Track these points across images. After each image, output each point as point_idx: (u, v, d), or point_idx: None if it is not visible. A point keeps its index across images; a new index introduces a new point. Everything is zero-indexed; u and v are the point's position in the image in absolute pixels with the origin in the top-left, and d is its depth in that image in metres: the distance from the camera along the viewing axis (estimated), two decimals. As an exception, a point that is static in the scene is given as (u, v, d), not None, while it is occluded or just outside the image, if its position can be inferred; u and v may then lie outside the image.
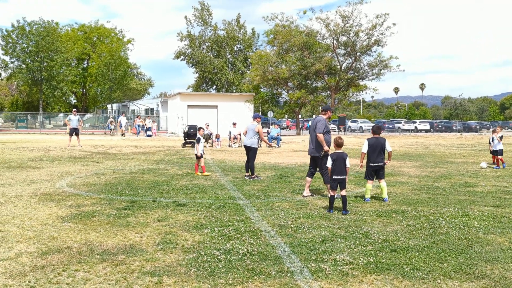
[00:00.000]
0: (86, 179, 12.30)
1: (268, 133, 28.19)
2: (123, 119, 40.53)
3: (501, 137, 16.07)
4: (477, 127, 65.06)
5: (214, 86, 64.70)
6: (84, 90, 75.79)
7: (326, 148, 9.33)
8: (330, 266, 5.20)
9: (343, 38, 40.93)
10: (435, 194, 10.16)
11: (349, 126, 60.58)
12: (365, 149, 9.37)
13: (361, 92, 42.42)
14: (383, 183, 9.32)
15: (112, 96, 63.08)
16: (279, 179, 12.65)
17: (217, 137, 25.98)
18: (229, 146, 26.25)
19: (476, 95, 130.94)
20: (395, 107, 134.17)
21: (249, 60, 63.82)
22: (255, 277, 4.83)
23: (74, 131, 24.18)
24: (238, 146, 26.37)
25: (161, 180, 12.10)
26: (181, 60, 64.70)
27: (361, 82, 42.30)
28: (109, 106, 70.56)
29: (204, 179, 12.45)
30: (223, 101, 44.16)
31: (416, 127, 63.01)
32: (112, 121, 44.38)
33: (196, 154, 13.67)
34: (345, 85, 41.81)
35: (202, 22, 63.23)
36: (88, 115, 64.81)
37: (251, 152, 12.70)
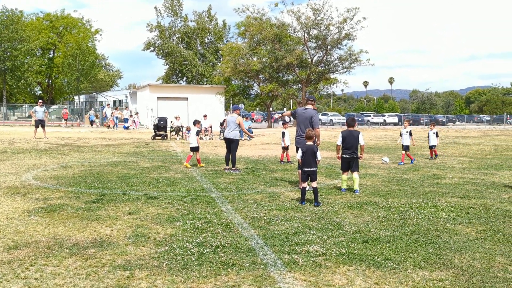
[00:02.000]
0: (53, 172, 12.00)
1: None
2: (108, 111, 39.32)
3: (436, 133, 16.48)
4: (444, 120, 66.54)
5: (185, 78, 64.14)
6: (50, 81, 73.98)
7: (319, 142, 9.32)
8: (303, 257, 5.21)
9: (314, 31, 41.07)
10: (404, 186, 10.34)
11: (320, 119, 61.09)
12: (339, 141, 9.50)
13: (331, 85, 42.78)
14: (355, 175, 9.44)
15: (80, 87, 61.80)
16: (251, 171, 12.63)
17: (188, 129, 25.71)
18: (200, 138, 26.04)
19: (443, 89, 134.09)
20: (365, 100, 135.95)
21: (220, 52, 63.49)
22: (229, 270, 4.81)
23: (40, 123, 23.58)
24: (209, 139, 26.24)
25: (131, 173, 11.91)
26: (151, 51, 63.82)
27: (332, 76, 42.64)
28: (76, 97, 69.10)
29: (175, 172, 12.33)
30: (194, 93, 43.84)
31: (385, 120, 64.01)
32: (96, 114, 43.57)
33: (192, 146, 13.85)
34: (316, 78, 42.04)
35: (173, 13, 62.48)
36: (54, 107, 63.28)
37: (233, 144, 12.61)
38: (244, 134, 25.38)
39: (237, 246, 5.59)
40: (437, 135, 16.52)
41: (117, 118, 37.10)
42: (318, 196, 8.14)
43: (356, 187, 9.37)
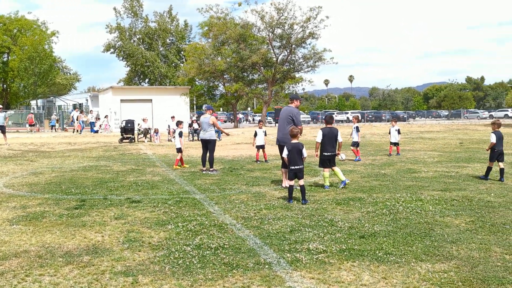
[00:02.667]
0: (24, 178, 11.56)
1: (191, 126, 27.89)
2: (75, 114, 37.96)
3: (398, 130, 16.21)
4: (405, 116, 68.10)
5: (147, 80, 63.24)
6: (5, 85, 71.41)
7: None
8: (305, 255, 5.18)
9: (278, 31, 41.27)
10: (384, 181, 10.48)
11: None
12: (319, 138, 9.50)
13: (297, 84, 43.08)
14: (336, 168, 9.58)
15: (37, 92, 59.91)
16: (229, 172, 12.54)
17: (156, 131, 25.37)
18: (169, 140, 25.72)
19: (401, 86, 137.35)
20: (326, 98, 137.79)
21: (182, 52, 62.93)
22: (234, 271, 4.72)
23: (0, 129, 22.67)
24: (178, 140, 25.90)
25: (107, 177, 11.61)
26: (111, 53, 62.64)
27: (297, 75, 42.91)
28: (33, 102, 66.99)
29: (152, 174, 12.10)
30: (158, 94, 43.23)
31: (348, 117, 64.96)
32: (57, 118, 42.37)
33: (178, 148, 13.77)
34: (281, 77, 42.21)
35: (132, 14, 61.47)
36: (10, 112, 61.10)
37: (210, 145, 12.46)
38: (222, 133, 25.32)
39: (236, 247, 5.51)
40: (399, 132, 16.29)
41: (83, 122, 36.06)
42: (305, 194, 8.14)
43: (342, 177, 9.53)
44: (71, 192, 9.47)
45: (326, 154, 9.47)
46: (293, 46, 41.56)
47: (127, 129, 24.60)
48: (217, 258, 5.11)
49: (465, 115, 77.07)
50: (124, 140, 24.40)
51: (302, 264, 4.92)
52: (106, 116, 37.91)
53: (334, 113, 67.90)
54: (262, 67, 41.78)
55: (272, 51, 42.41)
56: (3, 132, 22.69)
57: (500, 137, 10.50)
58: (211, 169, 12.39)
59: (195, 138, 25.00)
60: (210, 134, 12.58)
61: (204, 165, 12.62)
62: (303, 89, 46.43)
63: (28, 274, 4.67)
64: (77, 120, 36.34)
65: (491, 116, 74.79)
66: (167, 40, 63.88)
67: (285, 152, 8.27)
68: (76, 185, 10.38)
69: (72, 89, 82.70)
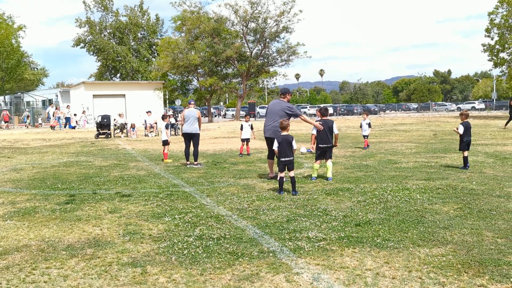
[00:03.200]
0: (5, 175, 11.36)
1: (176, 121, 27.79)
2: (51, 110, 36.98)
3: (369, 124, 16.30)
4: (376, 109, 69.19)
5: (119, 75, 62.34)
6: (-30, 81, 69.21)
7: (317, 125, 9.45)
8: (307, 243, 5.32)
9: (252, 25, 41.30)
10: (367, 171, 10.72)
11: (258, 112, 61.58)
12: (315, 131, 9.66)
13: (272, 78, 43.23)
14: (329, 162, 9.70)
15: (4, 87, 58.37)
16: (213, 165, 12.58)
17: (133, 126, 25.12)
18: (145, 135, 25.53)
19: (370, 80, 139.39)
20: (297, 92, 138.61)
21: (154, 47, 62.26)
22: (240, 260, 4.82)
23: (-28, 125, 22.12)
24: (155, 135, 25.72)
25: (90, 172, 11.51)
26: (81, 47, 61.43)
27: (271, 69, 43.07)
28: (0, 98, 65.20)
29: (136, 169, 12.05)
30: (131, 89, 42.77)
31: (320, 111, 65.48)
32: (28, 115, 41.34)
33: (164, 140, 13.91)
34: (255, 71, 42.28)
35: (103, 8, 60.41)
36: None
37: (195, 138, 12.46)
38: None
39: (237, 237, 5.60)
40: (369, 126, 16.32)
41: (59, 118, 35.14)
42: (295, 185, 8.28)
43: (329, 174, 9.64)
44: (57, 187, 9.37)
45: (322, 146, 9.62)
46: (267, 40, 41.69)
47: (103, 125, 24.30)
48: (221, 248, 5.19)
49: (433, 107, 78.90)
50: (100, 136, 24.10)
51: (305, 251, 5.05)
52: (84, 112, 37.11)
53: (307, 107, 68.45)
54: (236, 61, 41.77)
55: (246, 45, 42.45)
56: (-25, 129, 22.14)
57: (467, 127, 10.86)
58: (196, 162, 12.41)
59: (172, 132, 24.87)
60: (195, 127, 12.58)
61: (188, 159, 12.62)
62: (274, 83, 46.53)
63: (35, 268, 4.67)
64: (53, 116, 35.49)
65: (458, 109, 76.77)
66: (139, 34, 63.04)
67: (276, 145, 8.38)
68: (61, 180, 10.27)
69: (40, 84, 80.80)
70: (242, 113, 52.77)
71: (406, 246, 5.15)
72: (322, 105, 70.06)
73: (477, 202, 7.18)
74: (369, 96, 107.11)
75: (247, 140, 15.04)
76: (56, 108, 36.49)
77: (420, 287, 4.06)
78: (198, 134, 12.63)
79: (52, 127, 34.53)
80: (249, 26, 41.46)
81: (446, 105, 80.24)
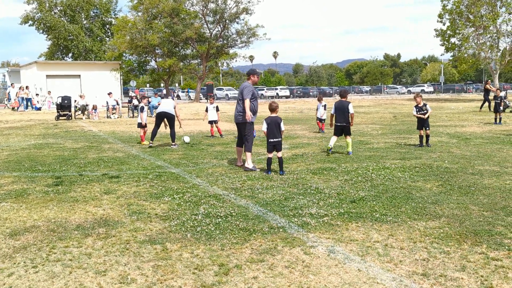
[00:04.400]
0: (-24, 157, 11.01)
1: (149, 103, 27.41)
2: (12, 91, 35.01)
3: (325, 106, 16.30)
4: (331, 92, 70.45)
5: (70, 54, 60.18)
6: None
7: (248, 115, 8.88)
8: (311, 219, 5.60)
9: (211, 5, 40.94)
10: (343, 152, 11.12)
11: (215, 94, 61.31)
12: (333, 110, 10.74)
13: (232, 60, 43.16)
14: (348, 139, 10.69)
15: None
16: (190, 147, 12.66)
17: (94, 108, 24.59)
18: (108, 117, 25.07)
19: (323, 62, 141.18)
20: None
21: (108, 26, 60.47)
22: (254, 235, 5.05)
23: None
24: (118, 117, 25.32)
25: (66, 155, 11.35)
26: (30, 25, 58.77)
27: (231, 50, 42.99)
28: None
29: (113, 151, 11.97)
30: (87, 70, 41.62)
31: (277, 93, 66.13)
32: None
33: (139, 123, 13.74)
34: (215, 53, 42.06)
35: (53, -16, 57.86)
36: None
37: (171, 120, 12.52)
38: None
39: (243, 214, 5.82)
40: (325, 108, 16.28)
41: (23, 99, 33.38)
42: (282, 165, 8.55)
43: (349, 149, 10.65)
44: (38, 169, 9.23)
45: (337, 124, 10.68)
46: (227, 21, 41.50)
47: (64, 106, 23.67)
48: (232, 225, 5.40)
49: (385, 90, 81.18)
50: (60, 117, 23.47)
51: (312, 226, 5.34)
52: (49, 92, 35.43)
53: (264, 89, 68.77)
54: (195, 42, 41.38)
55: (205, 26, 42.10)
56: None
57: (419, 109, 11.76)
58: (173, 143, 12.51)
59: (135, 114, 24.58)
60: (170, 109, 12.61)
61: (152, 139, 12.61)
62: (228, 65, 46.28)
63: (53, 247, 4.72)
64: (16, 96, 33.74)
65: (409, 91, 79.48)
66: (91, 12, 60.89)
67: (264, 126, 8.57)
68: (38, 162, 10.09)
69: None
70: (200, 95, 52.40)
71: (404, 220, 5.53)
72: (341, 87, 70.48)
73: (455, 180, 7.69)
74: (324, 78, 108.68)
75: (215, 121, 15.03)
76: (20, 88, 34.57)
77: (428, 256, 4.43)
78: (174, 116, 12.66)
79: (14, 108, 33.04)
80: (208, 7, 41.12)
81: (397, 88, 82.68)
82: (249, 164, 8.94)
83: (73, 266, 4.25)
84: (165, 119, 12.74)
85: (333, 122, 10.86)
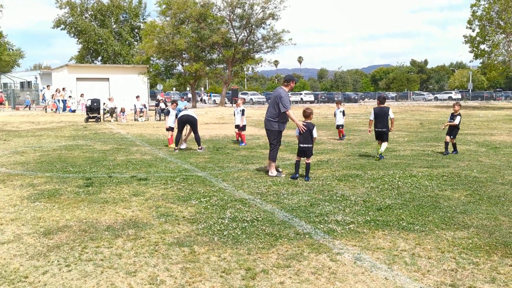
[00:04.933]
0: (9, 158, 11.35)
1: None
2: (47, 93, 35.46)
3: (343, 112, 15.93)
4: (356, 98, 70.01)
5: (100, 58, 61.37)
6: None
7: (300, 126, 8.52)
8: (337, 226, 5.61)
9: (238, 11, 41.22)
10: (370, 159, 11.07)
11: (239, 98, 61.53)
12: (372, 116, 11.04)
13: (257, 64, 43.34)
14: (385, 144, 11.01)
15: (-18, 68, 57.03)
16: (215, 151, 12.78)
17: (122, 111, 25.01)
18: (135, 120, 25.46)
19: (346, 68, 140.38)
20: (276, 79, 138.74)
21: (136, 30, 61.48)
22: (280, 240, 5.09)
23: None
24: (145, 120, 25.68)
25: (95, 156, 11.59)
26: (62, 29, 60.18)
27: (257, 55, 43.15)
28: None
29: (141, 153, 12.17)
30: (115, 73, 42.37)
31: (301, 98, 66.03)
32: (30, 98, 40.02)
33: (169, 127, 13.79)
34: (241, 57, 42.30)
35: (84, -11, 59.17)
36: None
37: (194, 125, 12.68)
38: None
39: (269, 219, 5.86)
40: (343, 114, 15.91)
41: (59, 101, 33.81)
42: (309, 171, 8.57)
43: (381, 152, 10.89)
44: (70, 170, 9.46)
45: (377, 130, 10.95)
46: (253, 26, 41.69)
47: (93, 108, 24.14)
48: (258, 229, 5.45)
49: (412, 97, 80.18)
50: (90, 120, 23.95)
51: (339, 233, 5.35)
52: (82, 95, 35.87)
53: (302, 94, 68.65)
54: (222, 47, 41.70)
55: (232, 31, 42.39)
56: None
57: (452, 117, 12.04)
58: (200, 147, 12.68)
59: (162, 118, 24.88)
60: (195, 113, 12.89)
61: (177, 144, 12.81)
62: (252, 69, 46.20)
63: (85, 247, 4.85)
64: (52, 98, 34.30)
65: (436, 98, 78.39)
66: (120, 17, 62.04)
67: (297, 131, 8.65)
68: (70, 164, 10.33)
69: (16, 66, 78.97)
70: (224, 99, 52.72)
71: (431, 229, 5.49)
72: (379, 94, 70.21)
73: (484, 189, 7.58)
74: (349, 84, 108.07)
75: (238, 126, 14.68)
76: (56, 91, 34.94)
77: (456, 266, 4.40)
78: (196, 120, 12.88)
79: (47, 110, 33.49)
80: (235, 12, 41.39)
81: (424, 95, 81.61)
82: (272, 172, 8.93)
83: (104, 266, 4.36)
84: (188, 124, 12.91)
85: (372, 127, 11.14)
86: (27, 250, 4.77)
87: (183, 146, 12.94)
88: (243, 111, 15.01)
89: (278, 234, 5.28)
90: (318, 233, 5.36)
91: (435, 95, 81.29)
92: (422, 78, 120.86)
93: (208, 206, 6.51)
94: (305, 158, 8.61)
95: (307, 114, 8.73)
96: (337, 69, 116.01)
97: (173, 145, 13.45)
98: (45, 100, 35.89)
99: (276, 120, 8.94)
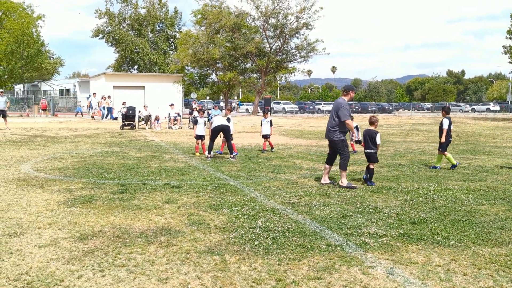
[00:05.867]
0: (48, 163, 11.68)
1: (209, 115, 28.03)
2: (94, 100, 35.96)
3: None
4: (390, 108, 69.08)
5: (136, 66, 62.69)
6: (-11, 68, 70.08)
7: (355, 135, 9.34)
8: (369, 239, 5.53)
9: (272, 20, 41.39)
10: (404, 171, 10.89)
11: (273, 108, 61.66)
12: (446, 126, 11.28)
13: (290, 74, 43.37)
14: (448, 154, 11.30)
15: (24, 76, 59.09)
16: (247, 159, 12.82)
17: (157, 119, 25.44)
18: (169, 128, 25.82)
19: (380, 78, 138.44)
20: (309, 89, 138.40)
21: (172, 40, 62.58)
22: (311, 252, 5.05)
23: (1, 113, 22.57)
24: (179, 128, 26.01)
25: (130, 163, 11.80)
26: (100, 38, 61.83)
27: (290, 65, 43.18)
28: (17, 86, 66.00)
29: (174, 161, 12.32)
30: (151, 82, 43.11)
31: (334, 108, 65.58)
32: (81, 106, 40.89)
33: (197, 135, 14.01)
34: (274, 67, 42.44)
35: (122, 0, 60.74)
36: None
37: (227, 132, 12.96)
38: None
39: (300, 230, 5.83)
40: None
41: (104, 108, 34.20)
42: (372, 176, 9.16)
43: (454, 162, 11.22)
44: (105, 177, 9.66)
45: (451, 139, 11.47)
46: (287, 36, 41.79)
47: (129, 116, 24.64)
48: (289, 240, 5.43)
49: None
50: (125, 127, 24.44)
51: (371, 246, 5.27)
52: (124, 103, 36.02)
53: (321, 103, 68.52)
54: (255, 57, 41.94)
55: (266, 40, 42.60)
56: (4, 117, 22.59)
57: None
58: (231, 155, 12.83)
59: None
60: (228, 122, 13.05)
61: (210, 152, 12.91)
62: (285, 78, 46.27)
63: (118, 253, 4.93)
64: (98, 106, 34.82)
65: (473, 110, 76.50)
66: (157, 26, 63.28)
67: (362, 137, 9.32)
68: (105, 170, 10.55)
69: (55, 74, 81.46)
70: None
71: (467, 245, 5.35)
72: (445, 104, 69.77)
73: (524, 205, 7.34)
74: (383, 94, 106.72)
75: (266, 136, 14.82)
76: (102, 98, 35.18)
77: (493, 284, 4.27)
78: (230, 128, 13.05)
79: (94, 117, 34.05)
80: (269, 22, 41.58)
81: (461, 106, 79.82)
82: (343, 182, 8.87)
83: (137, 272, 4.43)
84: (221, 132, 13.08)
85: (444, 137, 11.29)
86: (63, 254, 4.89)
87: (211, 154, 13.08)
88: (270, 121, 14.94)
89: (309, 245, 5.25)
90: (350, 245, 5.30)
91: (473, 107, 79.36)
92: (459, 89, 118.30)
93: (240, 215, 6.53)
94: (369, 163, 9.06)
95: (372, 122, 9.24)
96: (371, 79, 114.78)
97: (198, 153, 13.60)
98: (91, 108, 36.25)
99: (337, 130, 8.97)
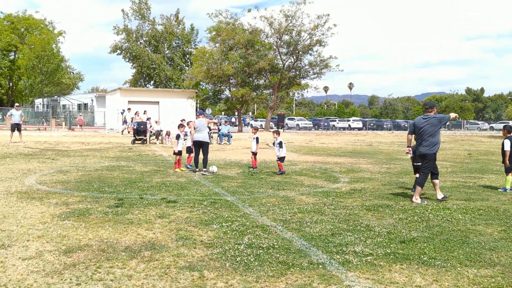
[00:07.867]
0: (53, 176, 11.84)
1: (219, 130, 28.24)
2: (128, 115, 35.19)
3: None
4: (406, 126, 68.51)
5: (152, 82, 63.57)
6: (11, 83, 71.72)
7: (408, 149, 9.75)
8: (354, 257, 5.48)
9: (285, 37, 41.70)
10: (406, 189, 10.78)
11: (287, 124, 61.71)
12: (508, 147, 10.64)
13: (303, 90, 43.50)
14: (509, 176, 10.68)
15: (44, 90, 60.24)
16: (250, 175, 12.84)
17: (168, 133, 25.64)
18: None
19: (399, 95, 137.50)
20: (325, 105, 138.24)
21: (188, 56, 63.37)
22: (291, 269, 5.02)
23: (16, 127, 23.00)
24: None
25: (133, 177, 11.90)
26: (118, 54, 62.97)
27: (303, 81, 43.34)
28: (37, 100, 67.25)
29: (177, 176, 12.40)
30: (165, 97, 43.56)
31: (349, 125, 65.44)
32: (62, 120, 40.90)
33: (174, 151, 14.01)
34: (287, 83, 42.62)
35: (140, 16, 61.88)
36: (13, 110, 61.09)
37: (204, 147, 13.33)
38: (223, 138, 26.15)
39: (285, 247, 5.81)
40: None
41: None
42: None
43: (507, 186, 10.70)
44: (105, 191, 9.76)
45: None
46: (300, 53, 42.00)
47: (140, 131, 24.89)
48: (272, 257, 5.41)
49: (465, 126, 77.66)
50: (136, 141, 24.69)
51: (354, 265, 5.22)
52: (148, 118, 34.99)
53: (336, 120, 68.38)
54: (268, 73, 42.19)
55: (279, 57, 42.85)
56: (19, 130, 23.01)
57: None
58: (204, 169, 13.01)
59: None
60: (205, 136, 13.59)
61: (197, 166, 13.18)
62: (302, 95, 46.50)
63: (99, 266, 4.97)
64: (131, 121, 34.55)
65: (491, 128, 75.47)
66: (173, 43, 64.28)
67: (411, 153, 9.82)
68: (107, 184, 10.66)
69: (75, 88, 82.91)
70: (270, 124, 53.05)
71: (453, 266, 5.26)
72: (507, 123, 69.24)
73: (521, 225, 7.20)
74: (399, 111, 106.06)
75: (254, 153, 14.58)
76: (136, 114, 34.69)
77: (471, 305, 4.19)
78: (208, 143, 13.35)
79: (123, 132, 34.03)
80: (282, 39, 41.90)
81: (479, 124, 78.88)
82: (417, 199, 9.08)
83: (112, 286, 4.46)
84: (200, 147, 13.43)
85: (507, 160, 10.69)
86: (45, 267, 4.94)
87: (215, 169, 13.23)
88: (257, 138, 14.72)
89: (291, 263, 5.22)
90: (332, 263, 5.26)
91: (491, 125, 78.32)
92: (477, 107, 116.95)
93: (228, 231, 6.53)
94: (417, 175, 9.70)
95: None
96: (387, 96, 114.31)
97: (179, 169, 13.61)
98: (126, 122, 35.68)
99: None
